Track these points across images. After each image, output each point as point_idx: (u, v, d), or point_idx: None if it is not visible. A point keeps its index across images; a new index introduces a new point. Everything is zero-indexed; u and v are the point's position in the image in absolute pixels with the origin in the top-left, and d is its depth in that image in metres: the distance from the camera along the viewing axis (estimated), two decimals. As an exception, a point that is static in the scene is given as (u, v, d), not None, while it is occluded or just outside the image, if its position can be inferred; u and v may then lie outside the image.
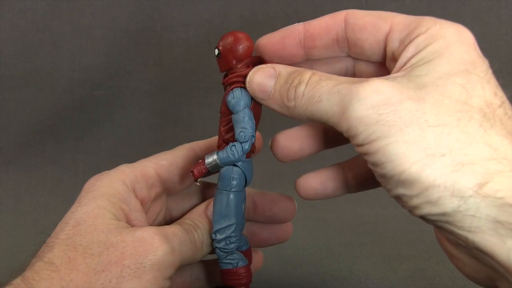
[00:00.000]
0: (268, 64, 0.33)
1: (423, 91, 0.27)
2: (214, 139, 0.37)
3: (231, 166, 0.33)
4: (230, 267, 0.35)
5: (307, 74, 0.30)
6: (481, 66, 0.29)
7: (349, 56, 0.34)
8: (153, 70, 0.79)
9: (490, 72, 0.29)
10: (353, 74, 0.35)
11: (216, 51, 0.33)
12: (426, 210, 0.27)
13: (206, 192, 0.41)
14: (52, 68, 0.80)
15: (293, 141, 0.36)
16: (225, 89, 0.34)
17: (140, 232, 0.30)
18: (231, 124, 0.33)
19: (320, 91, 0.29)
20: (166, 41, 0.79)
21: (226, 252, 0.35)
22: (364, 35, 0.32)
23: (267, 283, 0.49)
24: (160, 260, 0.30)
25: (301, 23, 0.34)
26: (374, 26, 0.32)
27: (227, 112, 0.33)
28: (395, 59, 0.31)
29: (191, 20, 0.79)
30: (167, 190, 0.38)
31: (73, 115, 0.79)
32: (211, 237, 0.35)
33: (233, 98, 0.33)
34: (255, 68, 0.33)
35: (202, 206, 0.37)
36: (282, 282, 0.49)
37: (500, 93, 0.29)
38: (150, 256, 0.29)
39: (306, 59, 0.34)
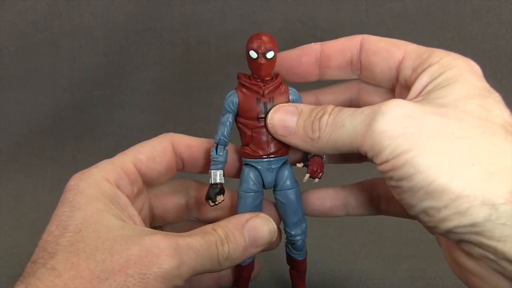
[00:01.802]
0: (289, 104, 0.34)
1: (444, 109, 0.28)
2: (198, 139, 0.38)
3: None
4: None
5: (329, 107, 0.32)
6: (495, 93, 0.30)
7: (360, 80, 0.36)
8: (153, 70, 0.79)
9: (501, 98, 0.30)
10: (358, 105, 0.36)
11: (273, 53, 0.33)
12: (455, 222, 0.26)
13: (190, 192, 0.40)
14: (52, 68, 0.80)
15: (324, 201, 0.38)
16: (265, 94, 0.34)
17: (148, 240, 0.29)
18: None
19: (343, 116, 0.30)
20: (166, 41, 0.79)
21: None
22: (377, 60, 0.34)
23: (267, 283, 0.49)
24: (165, 273, 0.28)
25: (318, 43, 0.36)
26: (388, 52, 0.34)
27: None
28: (407, 86, 0.32)
29: (191, 20, 0.79)
30: (146, 184, 0.37)
31: (73, 115, 0.79)
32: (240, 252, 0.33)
33: (299, 96, 0.35)
34: (276, 106, 0.34)
35: (242, 218, 0.34)
36: (282, 282, 0.49)
37: None
38: (154, 268, 0.28)
39: (319, 79, 0.35)
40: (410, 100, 0.31)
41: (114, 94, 0.79)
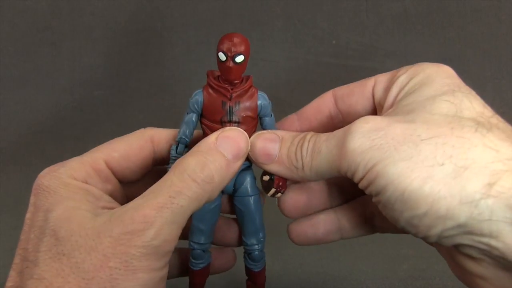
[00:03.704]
0: (268, 130, 0.34)
1: (411, 115, 0.28)
2: (176, 130, 0.36)
3: None
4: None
5: (309, 134, 0.32)
6: (465, 87, 0.29)
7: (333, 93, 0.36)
8: (153, 70, 0.79)
9: (474, 92, 0.29)
10: (338, 116, 0.36)
11: (242, 57, 0.31)
12: (440, 227, 0.25)
13: None
14: (52, 68, 0.80)
15: (299, 197, 0.37)
16: (232, 98, 0.33)
17: (117, 226, 0.27)
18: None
19: (320, 142, 0.30)
20: (166, 41, 0.79)
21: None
22: (354, 99, 0.34)
23: (267, 283, 0.49)
24: (145, 249, 0.27)
25: (294, 113, 0.36)
26: (360, 86, 0.34)
27: (255, 117, 0.34)
28: (382, 106, 0.32)
29: (191, 20, 0.79)
30: (120, 180, 0.35)
31: (73, 115, 0.79)
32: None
33: (268, 102, 0.34)
34: (256, 134, 0.33)
35: (211, 137, 0.31)
36: (282, 282, 0.49)
37: (489, 108, 0.29)
38: (132, 251, 0.27)
39: None
40: (382, 114, 0.31)
41: (114, 94, 0.79)
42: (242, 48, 0.31)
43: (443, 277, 0.49)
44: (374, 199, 0.28)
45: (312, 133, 0.32)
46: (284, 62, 0.78)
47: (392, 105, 0.31)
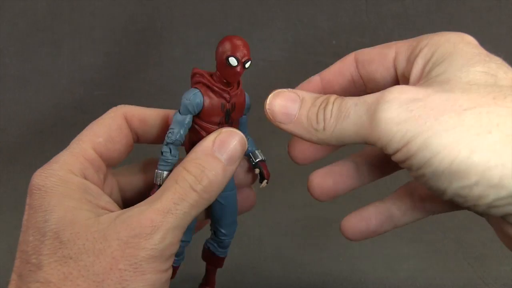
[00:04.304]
0: (288, 89, 0.32)
1: (448, 85, 0.27)
2: (150, 110, 0.36)
3: None
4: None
5: (332, 96, 0.30)
6: (495, 57, 0.28)
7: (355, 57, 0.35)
8: (153, 70, 0.79)
9: (504, 62, 0.28)
10: (359, 82, 0.35)
11: (250, 63, 0.32)
12: (492, 196, 0.25)
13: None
14: (52, 68, 0.80)
15: (327, 178, 0.36)
16: (230, 100, 0.33)
17: (123, 229, 0.28)
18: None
19: (347, 106, 0.29)
20: (166, 41, 0.79)
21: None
22: (374, 67, 0.33)
23: (267, 283, 0.49)
24: (153, 252, 0.28)
25: (316, 74, 0.36)
26: (380, 55, 0.33)
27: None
28: (406, 78, 0.31)
29: (191, 20, 0.79)
30: (108, 166, 0.35)
31: (73, 115, 0.79)
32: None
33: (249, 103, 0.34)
34: (275, 92, 0.32)
35: (207, 141, 0.32)
36: (282, 282, 0.49)
37: None
38: (141, 253, 0.28)
39: None
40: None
41: (114, 94, 0.79)
42: (249, 53, 0.32)
43: (443, 277, 0.49)
44: (415, 173, 0.27)
45: (335, 96, 0.30)
46: (284, 62, 0.78)
47: (420, 77, 0.30)
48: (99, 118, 0.35)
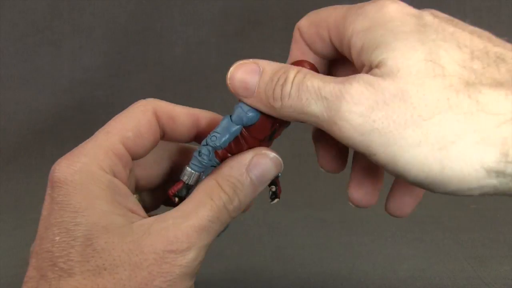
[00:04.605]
0: (250, 60, 0.31)
1: (401, 83, 0.26)
2: (181, 108, 0.34)
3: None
4: None
5: (292, 72, 0.29)
6: (424, 18, 0.27)
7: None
8: (153, 70, 0.79)
9: (436, 21, 0.28)
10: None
11: None
12: (477, 191, 0.25)
13: (173, 158, 0.37)
14: (52, 68, 0.80)
15: (365, 189, 0.34)
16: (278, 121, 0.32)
17: (160, 242, 0.27)
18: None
19: (307, 93, 0.28)
20: (166, 41, 0.79)
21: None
22: (318, 46, 0.33)
23: (267, 283, 0.49)
24: (187, 268, 0.28)
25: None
26: (317, 35, 0.32)
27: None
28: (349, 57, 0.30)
29: (191, 20, 0.79)
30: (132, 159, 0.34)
31: (73, 115, 0.79)
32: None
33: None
34: (237, 63, 0.31)
35: (244, 159, 0.31)
36: (282, 282, 0.49)
37: (469, 38, 0.27)
38: (176, 270, 0.27)
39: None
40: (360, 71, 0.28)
41: (114, 94, 0.79)
42: None
43: (443, 277, 0.49)
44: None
45: (295, 70, 0.29)
46: (284, 62, 0.78)
47: (363, 63, 0.28)
48: (128, 110, 0.32)
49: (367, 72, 0.27)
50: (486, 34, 0.28)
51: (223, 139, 0.31)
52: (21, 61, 0.80)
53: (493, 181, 0.25)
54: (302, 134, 0.73)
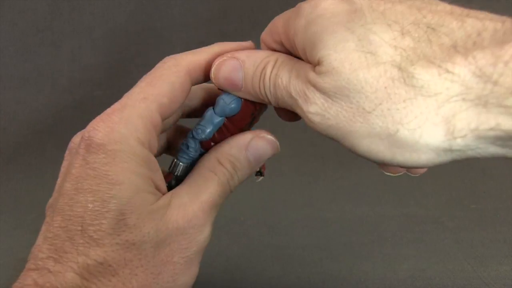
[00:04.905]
0: (228, 54, 0.31)
1: (341, 79, 0.26)
2: (205, 52, 0.32)
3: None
4: None
5: (269, 67, 0.30)
6: (357, 11, 0.27)
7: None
8: (153, 70, 0.79)
9: (367, 2, 0.27)
10: None
11: None
12: (444, 162, 0.25)
13: (169, 135, 0.37)
14: (52, 68, 0.80)
15: None
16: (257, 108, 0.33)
17: (181, 220, 0.28)
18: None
19: (280, 91, 0.29)
20: (166, 41, 0.79)
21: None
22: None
23: (267, 283, 0.49)
24: (203, 245, 0.29)
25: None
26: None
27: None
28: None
29: (191, 20, 0.79)
30: None
31: (73, 115, 0.79)
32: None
33: None
34: (217, 62, 0.31)
35: (244, 140, 0.32)
36: (282, 282, 0.49)
37: (400, 12, 0.26)
38: (194, 247, 0.28)
39: None
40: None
41: (114, 94, 0.79)
42: None
43: (443, 277, 0.49)
44: None
45: (271, 65, 0.30)
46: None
47: (310, 61, 0.29)
48: (160, 71, 0.31)
49: (313, 69, 0.27)
50: (418, 7, 0.27)
51: (208, 131, 0.32)
52: (21, 61, 0.80)
53: (445, 157, 0.25)
54: (302, 134, 0.73)
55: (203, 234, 0.29)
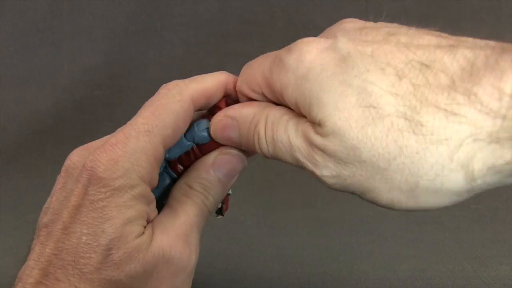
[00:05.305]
0: (222, 113, 0.31)
1: (345, 140, 0.25)
2: (209, 78, 0.32)
3: None
4: None
5: (261, 129, 0.29)
6: (345, 60, 0.26)
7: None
8: (153, 70, 0.79)
9: (351, 47, 0.26)
10: None
11: None
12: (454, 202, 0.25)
13: None
14: (52, 68, 0.80)
15: None
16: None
17: (166, 247, 0.28)
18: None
19: (282, 149, 0.28)
20: (166, 41, 0.79)
21: None
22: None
23: (267, 283, 0.49)
24: (192, 270, 0.30)
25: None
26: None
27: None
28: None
29: (191, 20, 0.79)
30: None
31: (73, 115, 0.79)
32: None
33: None
34: (214, 122, 0.32)
35: (207, 161, 0.32)
36: (282, 282, 0.49)
37: (389, 52, 0.26)
38: (181, 275, 0.29)
39: None
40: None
41: (114, 94, 0.79)
42: None
43: (443, 277, 0.49)
44: None
45: (263, 123, 0.29)
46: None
47: (305, 116, 0.28)
48: (164, 101, 0.31)
49: (313, 129, 0.27)
50: (403, 31, 0.27)
51: (174, 151, 0.32)
52: (21, 61, 0.80)
53: (469, 195, 0.25)
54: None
55: (188, 256, 0.29)
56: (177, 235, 0.29)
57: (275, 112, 0.29)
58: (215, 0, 0.79)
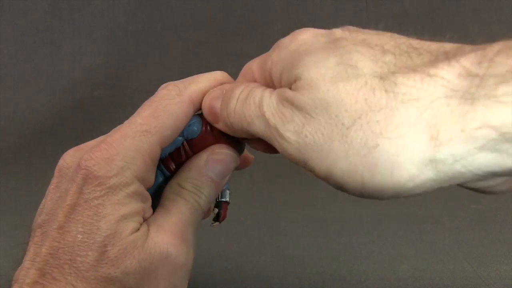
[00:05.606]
0: (220, 86, 0.32)
1: (315, 91, 0.25)
2: (206, 78, 0.33)
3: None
4: None
5: (238, 89, 0.29)
6: (337, 40, 0.27)
7: None
8: (153, 70, 0.79)
9: (346, 33, 0.27)
10: None
11: None
12: (421, 191, 0.24)
13: None
14: (52, 68, 0.80)
15: None
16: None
17: (162, 244, 0.28)
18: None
19: (250, 111, 0.28)
20: (166, 41, 0.79)
21: None
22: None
23: (267, 283, 0.49)
24: (188, 268, 0.29)
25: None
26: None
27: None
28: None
29: (191, 20, 0.79)
30: None
31: (73, 115, 0.79)
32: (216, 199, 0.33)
33: None
34: (210, 91, 0.32)
35: (200, 161, 0.32)
36: (282, 282, 0.49)
37: (379, 39, 0.26)
38: (179, 273, 0.29)
39: None
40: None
41: (114, 94, 0.79)
42: None
43: (443, 277, 0.49)
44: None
45: (241, 88, 0.29)
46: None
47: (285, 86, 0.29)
48: (163, 102, 0.31)
49: (289, 88, 0.27)
50: (398, 36, 0.27)
51: (165, 148, 0.31)
52: (21, 61, 0.80)
53: (429, 174, 0.23)
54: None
55: (185, 254, 0.29)
56: (173, 233, 0.29)
57: (259, 86, 0.29)
58: (215, 0, 0.79)
